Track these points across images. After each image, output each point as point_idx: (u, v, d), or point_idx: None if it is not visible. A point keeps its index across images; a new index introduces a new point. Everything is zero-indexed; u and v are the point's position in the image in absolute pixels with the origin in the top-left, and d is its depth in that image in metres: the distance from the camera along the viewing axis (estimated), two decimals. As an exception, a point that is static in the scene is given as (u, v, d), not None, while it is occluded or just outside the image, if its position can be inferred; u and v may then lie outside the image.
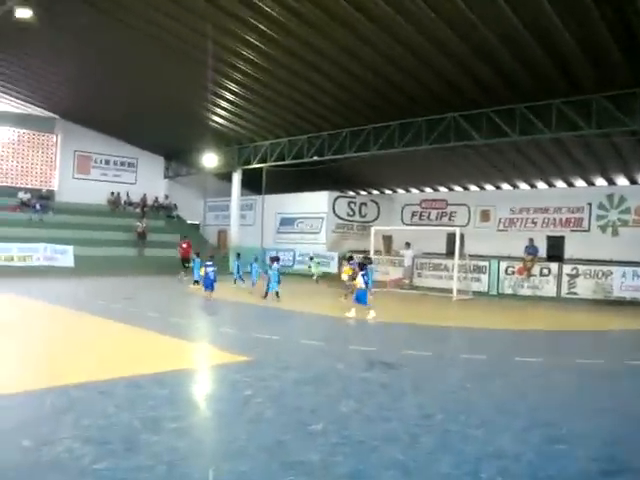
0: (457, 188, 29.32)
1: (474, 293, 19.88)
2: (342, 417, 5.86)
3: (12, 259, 23.22)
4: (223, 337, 10.70)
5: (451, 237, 22.65)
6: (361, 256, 18.85)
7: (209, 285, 16.63)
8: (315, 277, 24.17)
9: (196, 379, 7.74)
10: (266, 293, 16.73)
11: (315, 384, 7.18)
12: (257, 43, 17.26)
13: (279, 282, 16.51)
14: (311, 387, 7.03)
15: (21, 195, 28.38)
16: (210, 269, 16.73)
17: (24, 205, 27.99)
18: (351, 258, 17.83)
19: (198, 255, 20.39)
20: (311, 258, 24.10)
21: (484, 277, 21.04)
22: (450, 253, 22.11)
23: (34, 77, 24.27)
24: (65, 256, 24.57)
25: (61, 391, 6.46)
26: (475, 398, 6.76)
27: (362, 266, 14.05)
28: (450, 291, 19.41)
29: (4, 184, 29.41)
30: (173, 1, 15.65)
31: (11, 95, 27.14)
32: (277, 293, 16.49)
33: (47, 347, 9.42)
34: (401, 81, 18.17)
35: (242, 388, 6.83)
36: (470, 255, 21.09)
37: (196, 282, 19.30)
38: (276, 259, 17.50)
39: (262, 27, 16.25)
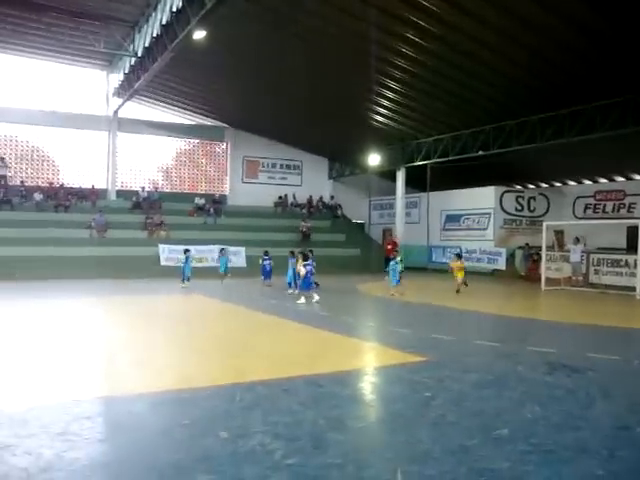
0: (636, 177, 27.10)
1: (661, 291, 18.24)
2: (528, 423, 5.60)
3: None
4: (396, 336, 10.69)
5: (632, 230, 20.98)
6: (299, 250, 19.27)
7: (267, 276, 19.55)
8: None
9: (374, 379, 7.80)
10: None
11: (496, 387, 6.95)
12: (417, 39, 17.22)
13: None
14: (492, 390, 6.81)
15: (197, 200, 30.46)
16: (266, 262, 19.54)
17: (199, 209, 30.01)
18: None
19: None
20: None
21: (672, 274, 19.23)
22: (631, 248, 20.47)
23: (207, 92, 26.13)
24: (238, 257, 25.88)
25: (247, 387, 6.78)
26: (679, 411, 6.16)
27: (305, 257, 16.13)
28: (633, 289, 18.00)
29: (182, 190, 31.87)
30: (335, 7, 16.03)
31: (187, 109, 29.40)
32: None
33: (230, 344, 9.99)
34: (570, 64, 17.18)
35: (421, 389, 6.78)
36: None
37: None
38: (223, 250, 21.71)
39: (422, 23, 16.17)
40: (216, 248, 25.13)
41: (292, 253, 17.99)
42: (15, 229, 23.58)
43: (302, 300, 15.40)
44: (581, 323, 12.70)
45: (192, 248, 24.93)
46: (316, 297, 15.45)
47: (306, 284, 15.76)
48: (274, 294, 17.55)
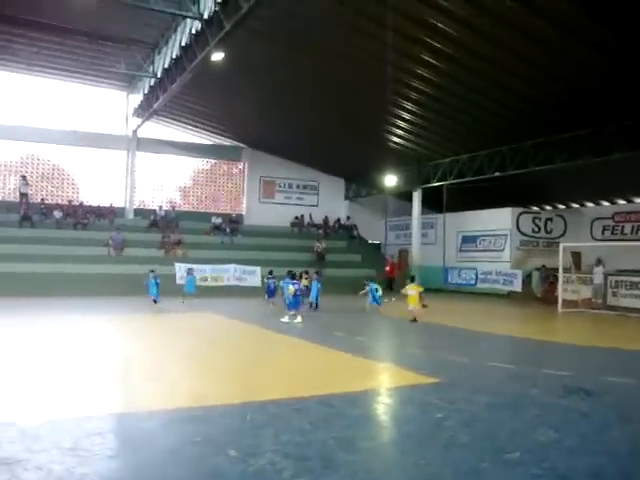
0: (656, 198, 26.87)
1: (682, 315, 17.99)
2: (540, 446, 5.53)
3: (206, 279, 24.84)
4: (409, 357, 10.66)
5: (651, 252, 20.76)
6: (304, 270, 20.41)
7: (270, 294, 19.64)
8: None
9: (386, 400, 7.75)
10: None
11: (509, 409, 6.88)
12: (433, 61, 17.28)
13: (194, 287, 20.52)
14: (505, 412, 6.75)
15: (214, 219, 30.64)
16: (271, 281, 19.79)
17: (216, 229, 30.18)
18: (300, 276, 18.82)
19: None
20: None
21: (693, 297, 18.99)
22: (651, 270, 20.26)
23: (224, 112, 26.41)
24: (253, 276, 25.83)
25: (259, 406, 6.78)
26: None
27: (293, 276, 16.76)
28: (653, 312, 17.80)
29: (200, 210, 32.08)
30: (350, 28, 16.18)
31: (205, 129, 29.72)
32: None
33: (241, 362, 10.01)
34: (587, 85, 17.07)
35: (433, 411, 6.73)
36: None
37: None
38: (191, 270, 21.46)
39: (437, 44, 16.23)
40: (232, 267, 25.25)
41: (289, 272, 18.02)
42: (35, 246, 23.87)
43: (286, 319, 15.51)
44: (598, 346, 12.53)
45: (208, 267, 25.17)
46: (299, 318, 15.57)
47: (294, 303, 15.86)
48: (282, 314, 17.49)
